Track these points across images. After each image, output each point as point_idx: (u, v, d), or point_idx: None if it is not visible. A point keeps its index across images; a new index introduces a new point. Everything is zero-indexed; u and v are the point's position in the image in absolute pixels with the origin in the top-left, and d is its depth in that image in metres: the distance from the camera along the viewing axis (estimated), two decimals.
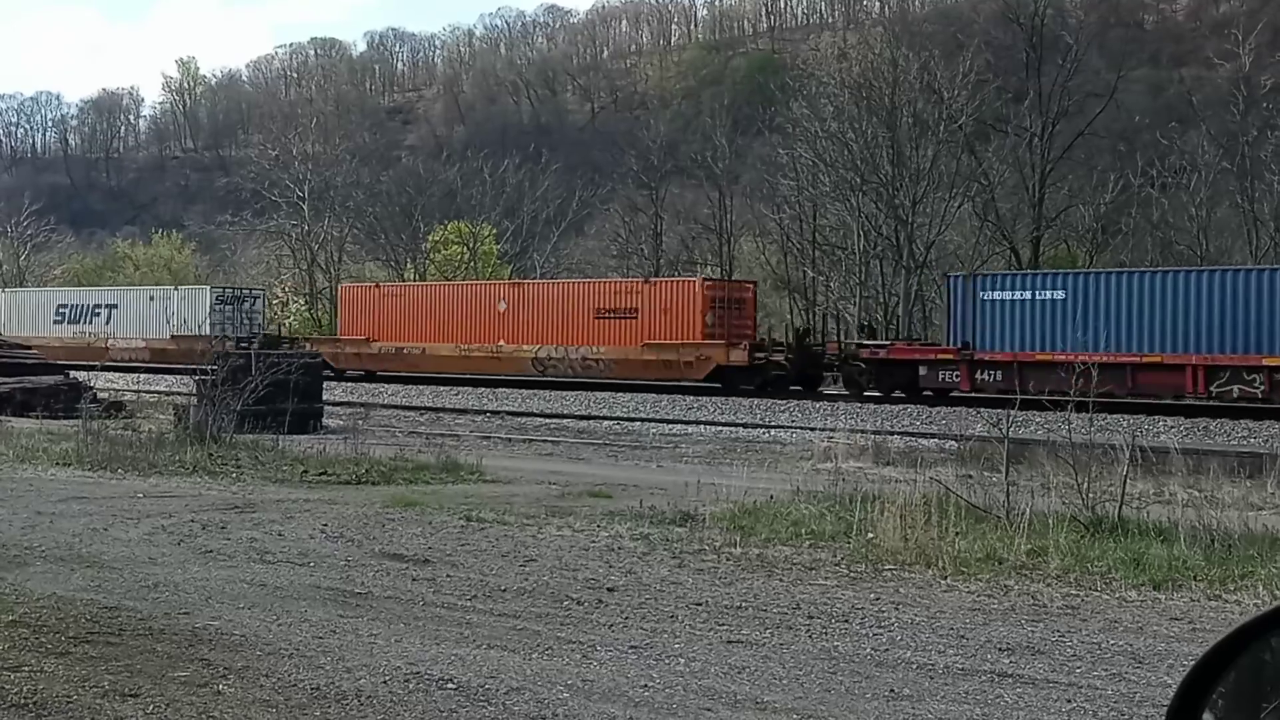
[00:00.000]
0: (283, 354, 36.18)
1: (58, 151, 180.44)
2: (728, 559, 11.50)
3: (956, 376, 35.76)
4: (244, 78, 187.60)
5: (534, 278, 63.73)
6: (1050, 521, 12.22)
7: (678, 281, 47.60)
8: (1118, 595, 10.04)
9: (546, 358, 44.80)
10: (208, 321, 50.28)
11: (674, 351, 41.04)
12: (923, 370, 36.60)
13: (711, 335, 41.51)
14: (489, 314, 46.63)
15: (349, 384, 44.29)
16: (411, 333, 48.26)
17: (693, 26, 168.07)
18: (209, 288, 57.75)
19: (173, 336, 52.52)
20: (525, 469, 20.43)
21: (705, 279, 47.87)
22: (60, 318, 57.07)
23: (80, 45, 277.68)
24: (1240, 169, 52.94)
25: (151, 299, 56.71)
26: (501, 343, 45.89)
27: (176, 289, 58.11)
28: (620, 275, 57.77)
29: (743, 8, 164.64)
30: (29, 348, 42.46)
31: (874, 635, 8.68)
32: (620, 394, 39.12)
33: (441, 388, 43.21)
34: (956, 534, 11.76)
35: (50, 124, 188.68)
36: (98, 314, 57.54)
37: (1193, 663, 2.48)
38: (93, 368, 44.74)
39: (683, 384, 41.81)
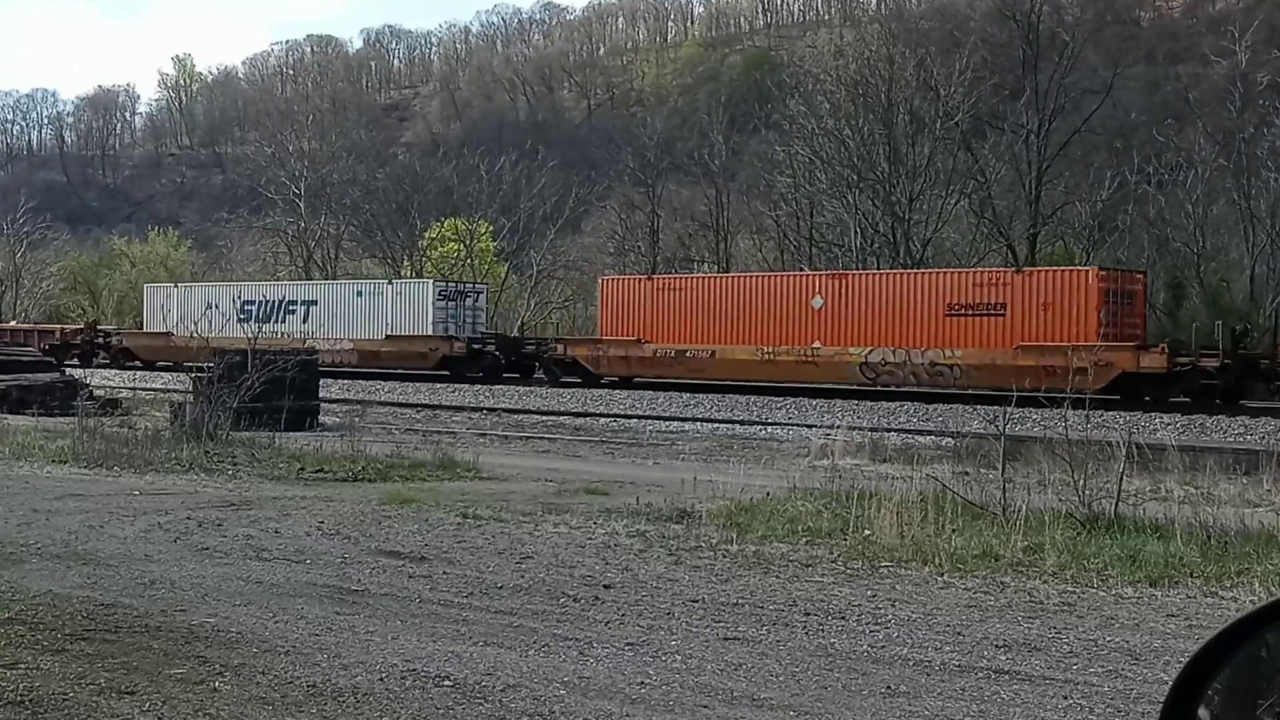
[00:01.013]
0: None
1: (54, 149, 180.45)
2: (724, 556, 11.51)
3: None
4: (240, 75, 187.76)
5: (530, 274, 63.59)
6: (1047, 518, 12.23)
7: (1062, 271, 39.56)
8: (1114, 592, 10.04)
9: (880, 363, 38.04)
10: (431, 320, 46.92)
11: (1060, 356, 31.11)
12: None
13: (1105, 335, 35.08)
14: (800, 310, 39.30)
15: (345, 381, 44.01)
16: (697, 333, 40.93)
17: (689, 24, 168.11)
18: (431, 281, 51.25)
19: (388, 337, 48.20)
20: (522, 466, 20.44)
21: (1099, 268, 39.16)
22: (245, 316, 49.52)
23: (76, 42, 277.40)
24: (1237, 166, 52.91)
25: (359, 294, 50.54)
26: (817, 344, 38.93)
27: (391, 283, 51.82)
28: (618, 272, 56.87)
29: (739, 5, 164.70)
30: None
31: (870, 632, 8.68)
32: (616, 390, 39.04)
33: (437, 385, 43.03)
34: (953, 531, 11.77)
35: (46, 121, 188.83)
36: (292, 311, 51.14)
37: (1187, 658, 2.47)
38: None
39: (1058, 394, 37.90)
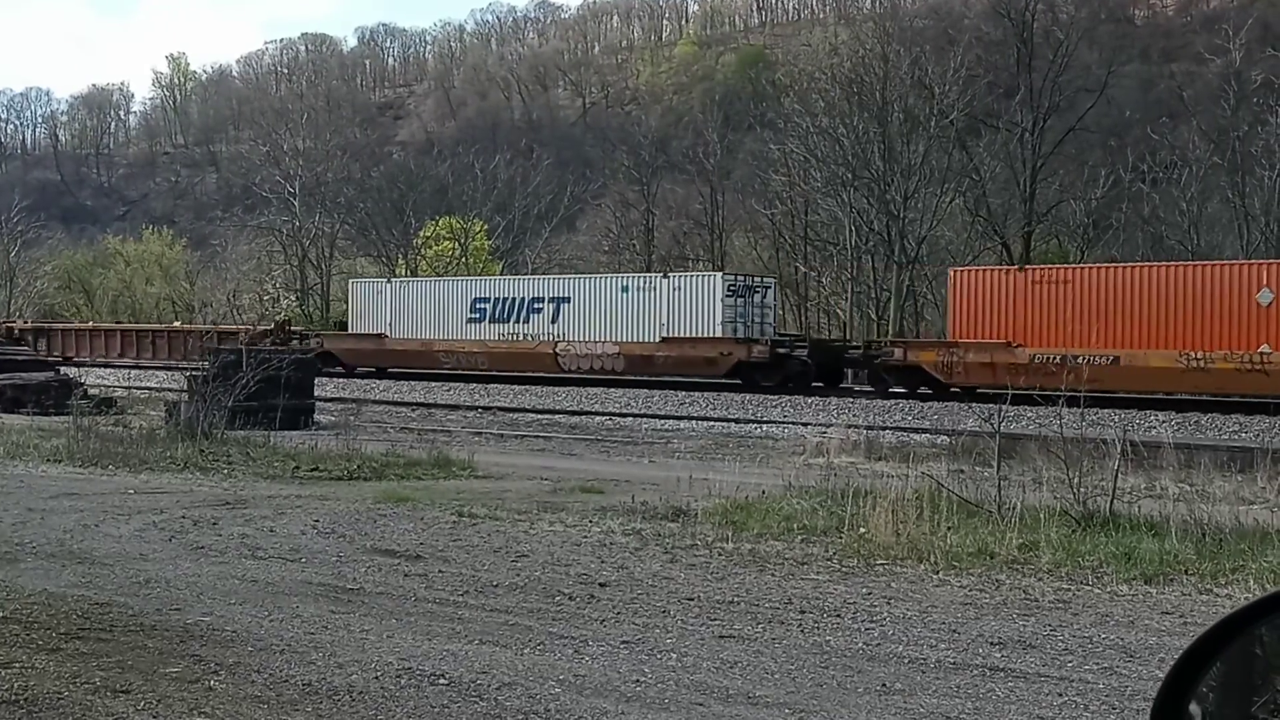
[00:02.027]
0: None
1: (48, 147, 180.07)
2: (720, 554, 11.51)
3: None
4: (234, 73, 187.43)
5: (525, 272, 63.52)
6: (1042, 516, 12.24)
7: None
8: (1109, 589, 10.05)
9: None
10: (719, 318, 40.63)
11: None
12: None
13: None
14: (1240, 307, 32.29)
15: (341, 380, 43.83)
16: (1092, 335, 33.26)
17: (684, 22, 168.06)
18: (719, 275, 43.86)
19: (664, 340, 41.29)
20: (517, 464, 20.43)
21: None
22: (478, 315, 45.34)
23: (69, 40, 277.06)
24: (1231, 164, 52.97)
25: (625, 290, 43.37)
26: (1266, 348, 31.92)
27: (668, 276, 44.42)
28: (610, 270, 56.46)
29: (734, 4, 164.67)
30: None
31: (866, 630, 8.68)
32: (612, 389, 38.93)
33: (432, 384, 42.92)
34: (948, 529, 11.78)
35: (40, 120, 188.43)
36: (537, 310, 44.55)
37: (1179, 655, 2.47)
38: (534, 380, 41.54)
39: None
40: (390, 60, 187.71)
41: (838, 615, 9.13)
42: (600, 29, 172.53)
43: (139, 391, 34.96)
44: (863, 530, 11.96)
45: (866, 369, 39.52)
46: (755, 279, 44.80)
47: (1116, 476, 13.28)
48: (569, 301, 44.07)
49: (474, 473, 18.58)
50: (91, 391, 31.38)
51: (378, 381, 44.44)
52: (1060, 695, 7.09)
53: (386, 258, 69.59)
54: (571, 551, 11.64)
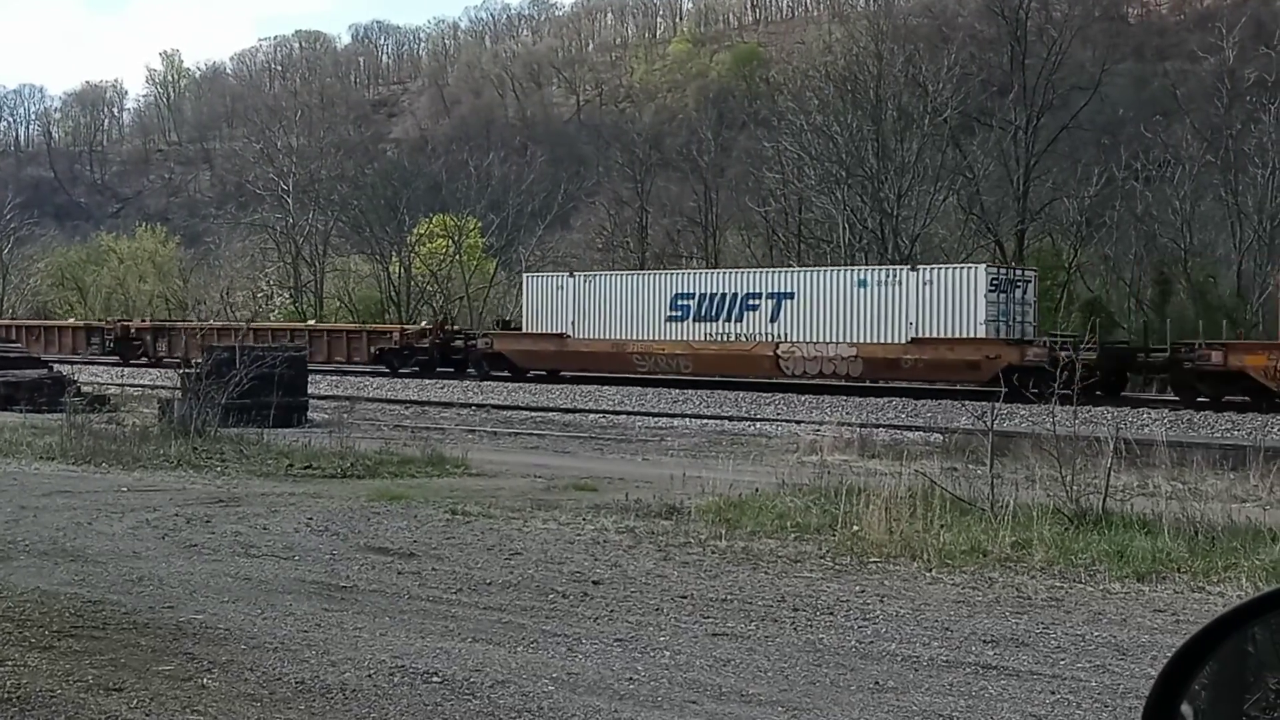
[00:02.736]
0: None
1: (41, 144, 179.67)
2: (713, 552, 11.52)
3: None
4: (228, 71, 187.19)
5: (523, 269, 63.49)
6: (1035, 514, 12.26)
7: None
8: (1102, 587, 10.06)
9: None
10: (981, 317, 35.79)
11: None
12: None
13: None
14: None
15: (335, 377, 43.73)
16: None
17: (678, 20, 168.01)
18: (982, 267, 38.30)
19: (913, 340, 36.46)
20: (511, 462, 20.43)
21: None
22: (680, 313, 40.36)
23: (62, 37, 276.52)
24: (1224, 162, 52.99)
25: (863, 284, 38.06)
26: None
27: (916, 270, 38.87)
28: (607, 268, 56.04)
29: (728, 2, 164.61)
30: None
31: (859, 628, 8.69)
32: (605, 387, 38.86)
33: (427, 381, 42.90)
34: (941, 526, 11.78)
35: (34, 117, 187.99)
36: (753, 307, 39.63)
37: (1171, 654, 2.47)
38: (748, 386, 38.33)
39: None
40: (384, 57, 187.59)
41: (831, 613, 9.14)
42: (594, 27, 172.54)
43: (132, 389, 34.91)
44: (856, 528, 11.97)
45: (1170, 375, 34.64)
46: (1017, 271, 39.74)
47: (1109, 474, 13.29)
48: (792, 298, 39.27)
49: (467, 470, 18.58)
50: (85, 389, 31.34)
51: (371, 379, 44.03)
52: (1053, 693, 7.10)
53: (380, 255, 69.51)
54: (565, 549, 11.64)
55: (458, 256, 66.11)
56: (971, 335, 35.69)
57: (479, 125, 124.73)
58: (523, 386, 39.93)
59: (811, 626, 8.72)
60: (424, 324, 49.61)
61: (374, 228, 69.43)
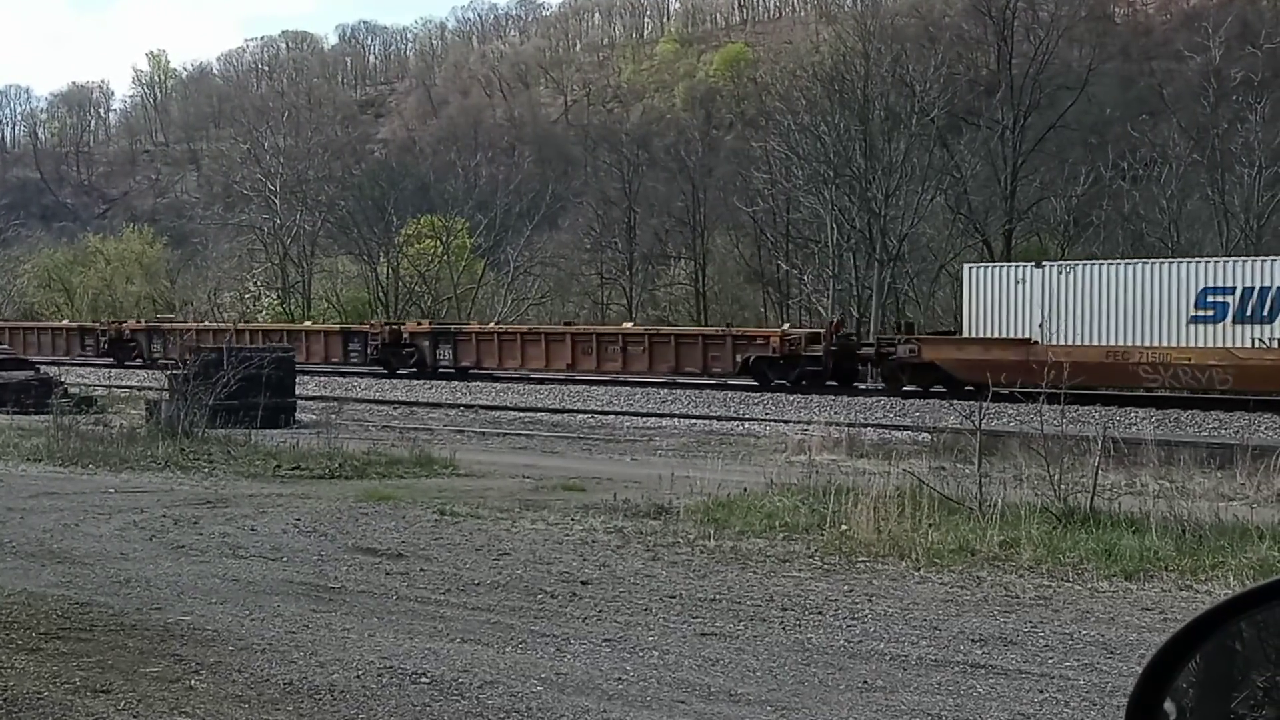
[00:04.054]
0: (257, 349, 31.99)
1: (27, 145, 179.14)
2: (702, 552, 11.52)
3: None
4: (215, 71, 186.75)
5: (507, 271, 63.45)
6: (1023, 513, 12.27)
7: None
8: (1090, 586, 10.08)
9: None
10: None
11: None
12: None
13: None
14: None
15: (322, 378, 43.49)
16: None
17: (665, 20, 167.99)
18: None
19: None
20: (499, 463, 20.41)
21: None
22: (1213, 312, 31.52)
23: (46, 37, 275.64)
24: (1211, 161, 53.11)
25: None
26: None
27: None
28: (594, 270, 55.68)
29: (716, 2, 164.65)
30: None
31: (847, 627, 8.70)
32: (594, 387, 38.77)
33: (415, 382, 42.71)
34: (929, 526, 11.80)
35: (20, 118, 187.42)
36: None
37: (1152, 653, 2.47)
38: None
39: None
40: (371, 58, 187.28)
41: (819, 612, 9.14)
42: (582, 27, 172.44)
43: (119, 390, 34.83)
44: (844, 527, 11.98)
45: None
46: None
47: (1097, 473, 13.32)
48: None
49: (456, 471, 18.57)
50: (72, 390, 31.27)
51: (359, 380, 43.76)
52: (1041, 692, 7.11)
53: (368, 256, 69.42)
54: (553, 549, 11.64)
55: (446, 257, 66.04)
56: None
57: (466, 125, 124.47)
58: (510, 387, 39.68)
59: (800, 626, 8.73)
60: (810, 327, 41.57)
61: (361, 228, 69.33)
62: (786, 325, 42.06)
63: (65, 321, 60.00)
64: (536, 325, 47.50)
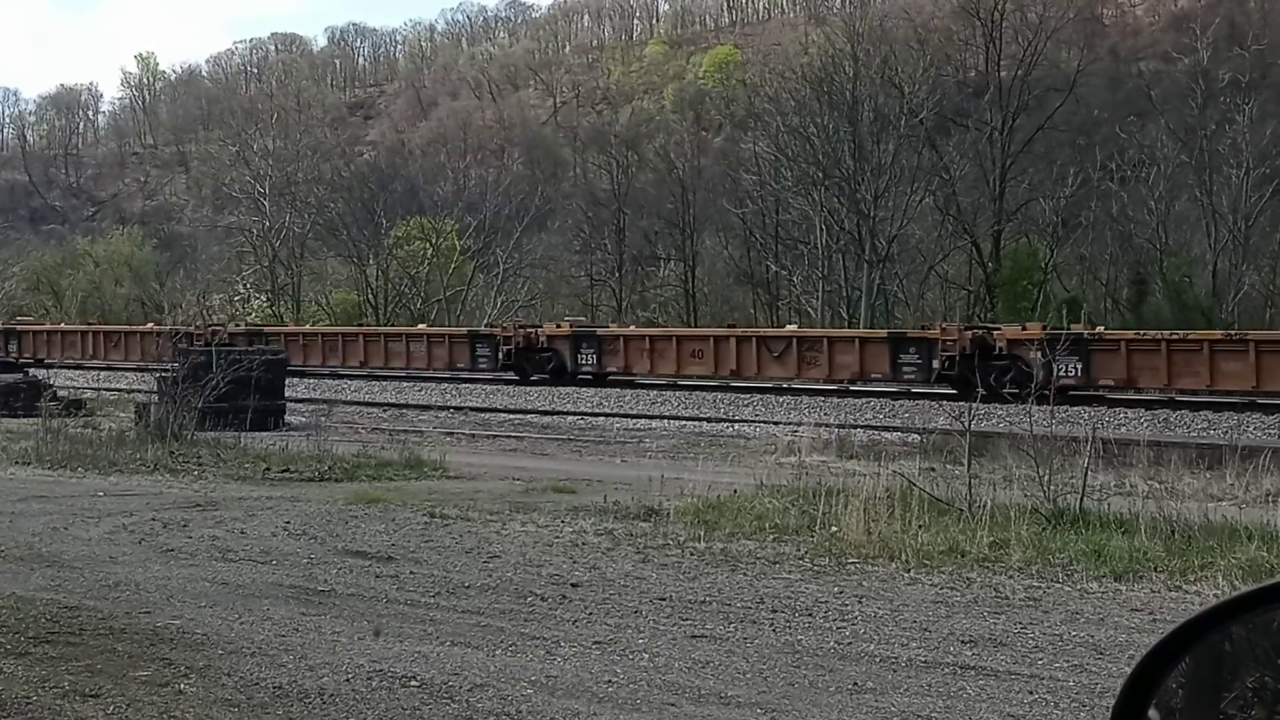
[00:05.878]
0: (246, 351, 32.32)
1: (15, 148, 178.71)
2: (691, 554, 11.51)
3: None
4: (204, 73, 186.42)
5: (496, 273, 63.38)
6: (1012, 514, 12.27)
7: None
8: (1079, 587, 10.09)
9: None
10: None
11: None
12: None
13: None
14: None
15: (312, 379, 43.42)
16: None
17: (655, 22, 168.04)
18: None
19: None
20: (489, 465, 20.38)
21: None
22: None
23: (34, 39, 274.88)
24: (1199, 162, 53.30)
25: None
26: None
27: None
28: (584, 271, 55.90)
29: (705, 3, 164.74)
30: None
31: (837, 629, 8.70)
32: (584, 389, 38.68)
33: (404, 384, 42.67)
34: (919, 527, 11.80)
35: (8, 120, 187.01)
36: None
37: (1138, 660, 2.46)
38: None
39: None
40: (360, 60, 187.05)
41: (809, 614, 9.14)
42: (571, 29, 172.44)
43: (108, 393, 34.75)
44: (834, 529, 11.98)
45: None
46: None
47: (1086, 474, 13.33)
48: None
49: (446, 473, 18.53)
50: (61, 393, 31.19)
51: (349, 381, 43.76)
52: (1031, 693, 7.12)
53: (357, 258, 69.40)
54: (543, 552, 11.63)
55: (435, 259, 66.02)
56: None
57: (456, 127, 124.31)
58: (501, 389, 39.64)
59: (790, 628, 8.73)
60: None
61: (351, 230, 69.31)
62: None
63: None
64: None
